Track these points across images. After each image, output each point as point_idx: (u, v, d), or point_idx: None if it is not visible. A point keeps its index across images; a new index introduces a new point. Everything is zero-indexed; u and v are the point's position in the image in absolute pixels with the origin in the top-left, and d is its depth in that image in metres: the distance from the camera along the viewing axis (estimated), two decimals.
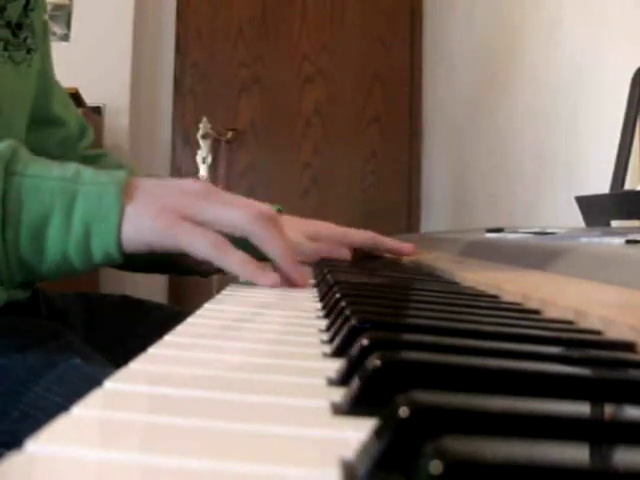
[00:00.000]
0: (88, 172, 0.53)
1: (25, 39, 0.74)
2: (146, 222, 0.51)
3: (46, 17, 0.81)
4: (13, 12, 0.72)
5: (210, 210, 0.53)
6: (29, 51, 0.75)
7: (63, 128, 0.87)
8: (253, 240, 0.54)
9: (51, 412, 0.26)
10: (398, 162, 3.03)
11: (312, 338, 0.33)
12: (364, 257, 0.86)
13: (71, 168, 0.52)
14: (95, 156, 0.90)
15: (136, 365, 0.26)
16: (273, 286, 0.53)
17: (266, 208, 0.55)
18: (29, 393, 0.58)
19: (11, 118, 0.72)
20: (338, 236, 0.84)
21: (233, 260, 0.53)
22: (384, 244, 0.87)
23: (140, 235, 0.52)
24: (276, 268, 0.56)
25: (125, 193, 0.52)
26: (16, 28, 0.73)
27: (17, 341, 0.63)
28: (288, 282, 0.56)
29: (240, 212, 0.53)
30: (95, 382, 0.23)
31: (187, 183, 0.55)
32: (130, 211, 0.52)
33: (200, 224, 0.52)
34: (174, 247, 0.52)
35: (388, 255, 0.88)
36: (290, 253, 0.55)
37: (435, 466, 0.13)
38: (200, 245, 0.52)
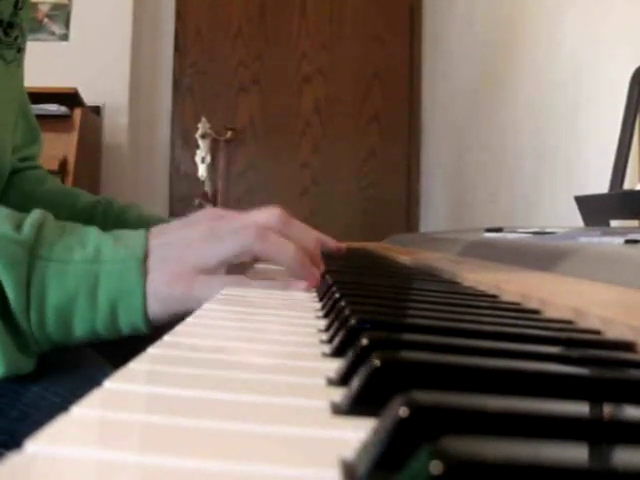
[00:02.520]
0: (108, 247, 0.53)
1: (16, 38, 0.74)
2: (164, 292, 0.53)
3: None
4: (4, 11, 0.72)
5: (214, 253, 0.54)
6: (19, 50, 0.75)
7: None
8: (263, 259, 0.56)
9: (50, 412, 0.26)
10: (397, 161, 3.04)
11: (311, 338, 0.33)
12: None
13: (91, 245, 0.53)
14: (25, 168, 0.87)
15: (136, 365, 0.26)
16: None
17: (261, 220, 0.55)
18: (28, 393, 0.58)
19: (2, 117, 0.72)
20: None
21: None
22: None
23: (165, 307, 0.53)
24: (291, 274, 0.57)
25: (146, 265, 0.53)
26: (8, 27, 0.73)
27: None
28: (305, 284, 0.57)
29: (240, 240, 0.54)
30: (94, 382, 0.23)
31: (191, 228, 0.55)
32: (150, 286, 0.53)
33: (212, 271, 0.54)
34: (198, 305, 0.53)
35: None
36: (300, 257, 0.55)
37: (435, 466, 0.13)
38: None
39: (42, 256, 0.51)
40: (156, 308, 0.53)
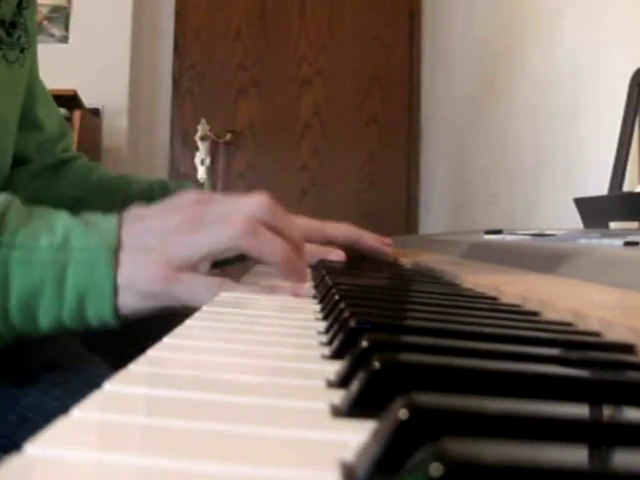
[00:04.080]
0: (77, 234, 0.50)
1: (19, 38, 0.74)
2: (140, 287, 0.49)
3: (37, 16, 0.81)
4: (7, 11, 0.72)
5: (197, 245, 0.50)
6: (22, 50, 0.75)
7: (42, 132, 0.86)
8: (251, 256, 0.51)
9: (49, 415, 0.26)
10: (396, 163, 3.04)
11: (311, 340, 0.33)
12: (353, 257, 0.86)
13: (59, 231, 0.50)
14: (71, 158, 0.89)
15: (135, 367, 0.26)
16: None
17: (248, 208, 0.51)
18: (26, 396, 0.58)
19: (4, 117, 0.72)
20: (317, 230, 0.81)
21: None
22: (365, 239, 0.86)
23: (140, 300, 0.50)
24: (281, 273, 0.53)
25: (118, 256, 0.49)
26: (10, 27, 0.72)
27: (15, 344, 0.63)
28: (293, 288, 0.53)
29: (227, 233, 0.49)
30: (93, 385, 0.23)
31: (170, 214, 0.51)
32: (122, 278, 0.49)
33: (193, 266, 0.50)
34: (177, 303, 0.50)
35: (369, 253, 0.88)
36: (288, 256, 0.52)
37: (435, 468, 0.13)
38: (201, 295, 0.49)
39: (4, 242, 0.48)
40: (129, 303, 0.50)
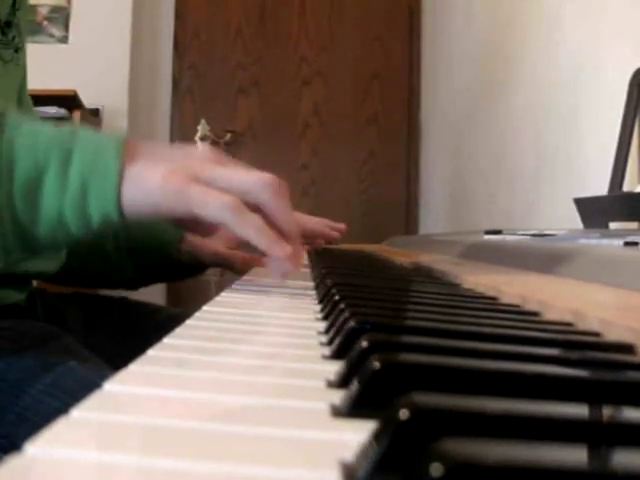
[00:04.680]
0: (86, 130, 0.49)
1: (13, 38, 0.74)
2: (153, 182, 0.47)
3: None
4: (2, 10, 0.72)
5: (222, 173, 0.49)
6: (17, 50, 0.75)
7: None
8: (264, 208, 0.50)
9: (48, 415, 0.26)
10: (396, 162, 3.04)
11: (311, 340, 0.33)
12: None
13: (67, 127, 0.49)
14: None
15: (135, 367, 0.26)
16: (285, 259, 0.49)
17: (275, 178, 0.50)
18: (26, 396, 0.58)
19: None
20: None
21: (249, 224, 0.48)
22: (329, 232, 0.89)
23: (147, 196, 0.48)
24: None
25: (127, 151, 0.48)
26: (5, 27, 0.73)
27: (14, 344, 0.63)
28: (291, 260, 0.51)
29: (253, 178, 0.49)
30: (92, 385, 0.23)
31: (194, 149, 0.51)
32: (134, 170, 0.48)
33: (212, 187, 0.48)
34: (185, 209, 0.48)
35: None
36: (298, 229, 0.52)
37: (436, 468, 0.13)
38: (215, 207, 0.47)
39: (11, 124, 0.47)
40: (134, 198, 0.48)
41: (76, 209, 0.48)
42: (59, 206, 0.48)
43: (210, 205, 0.47)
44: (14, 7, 0.74)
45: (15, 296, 0.73)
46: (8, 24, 0.73)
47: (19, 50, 0.75)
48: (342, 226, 0.94)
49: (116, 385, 0.23)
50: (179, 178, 0.47)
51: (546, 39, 1.67)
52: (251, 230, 0.48)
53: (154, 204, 0.48)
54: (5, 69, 0.73)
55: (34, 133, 0.48)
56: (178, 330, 0.34)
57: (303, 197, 3.02)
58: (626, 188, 1.08)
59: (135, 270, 0.86)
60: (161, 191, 0.47)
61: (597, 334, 0.32)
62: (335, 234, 0.95)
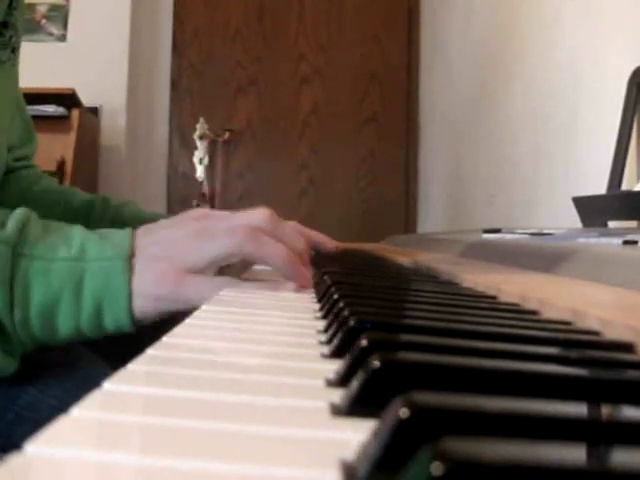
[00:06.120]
0: (93, 245, 0.52)
1: (10, 38, 0.74)
2: (152, 290, 0.52)
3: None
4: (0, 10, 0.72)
5: (204, 251, 0.53)
6: (13, 50, 0.75)
7: None
8: (254, 261, 0.55)
9: (47, 414, 0.26)
10: (395, 162, 3.04)
11: (310, 339, 0.33)
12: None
13: (76, 243, 0.52)
14: (19, 167, 0.86)
15: (135, 366, 0.26)
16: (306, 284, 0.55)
17: (251, 220, 0.54)
18: (24, 395, 0.58)
19: None
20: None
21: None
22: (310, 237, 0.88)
23: (153, 306, 0.52)
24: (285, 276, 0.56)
25: (133, 255, 0.53)
26: (2, 27, 0.72)
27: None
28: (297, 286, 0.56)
29: (230, 240, 0.53)
30: (91, 384, 0.23)
31: (179, 226, 0.55)
32: (135, 284, 0.52)
33: (202, 270, 0.53)
34: (187, 305, 0.52)
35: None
36: (290, 259, 0.54)
37: (436, 467, 0.13)
38: (209, 293, 0.51)
39: (25, 254, 0.50)
40: (143, 307, 0.52)
41: (92, 325, 0.52)
42: (76, 325, 0.52)
43: (204, 294, 0.51)
44: (11, 7, 0.74)
45: None
46: (5, 24, 0.73)
47: (15, 50, 0.75)
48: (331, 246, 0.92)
49: (116, 384, 0.23)
50: (171, 278, 0.52)
51: (545, 39, 1.67)
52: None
53: (161, 311, 0.53)
54: (2, 69, 0.73)
55: (47, 259, 0.51)
56: (177, 329, 0.34)
57: (302, 196, 3.02)
58: (625, 187, 1.08)
59: None
60: (161, 298, 0.52)
61: (596, 333, 0.32)
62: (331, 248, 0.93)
